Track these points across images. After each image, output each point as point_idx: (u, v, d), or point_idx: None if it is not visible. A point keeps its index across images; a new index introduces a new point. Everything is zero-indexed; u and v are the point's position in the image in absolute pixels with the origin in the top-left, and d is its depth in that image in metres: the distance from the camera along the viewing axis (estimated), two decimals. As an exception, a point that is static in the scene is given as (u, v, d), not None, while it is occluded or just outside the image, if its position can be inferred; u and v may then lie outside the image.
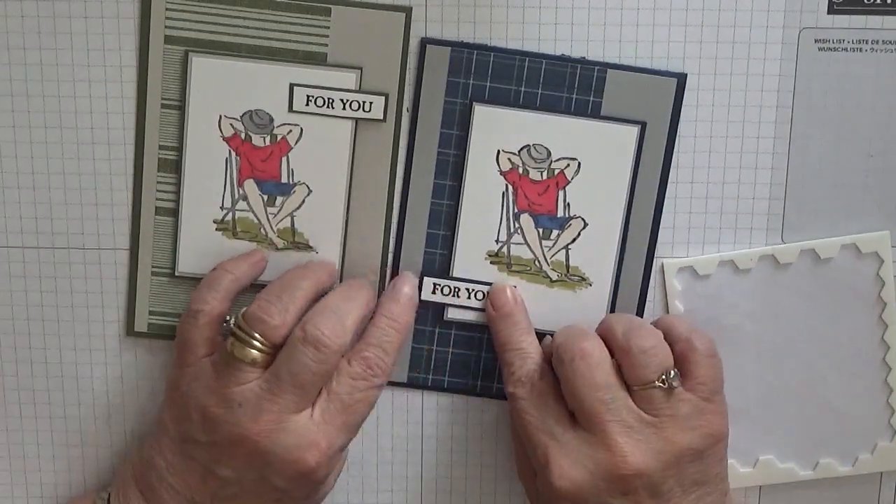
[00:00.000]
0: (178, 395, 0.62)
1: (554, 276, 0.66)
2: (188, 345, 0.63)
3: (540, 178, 0.65)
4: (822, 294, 0.66)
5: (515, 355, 0.64)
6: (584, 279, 0.66)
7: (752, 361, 0.67)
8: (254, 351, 0.60)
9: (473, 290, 0.66)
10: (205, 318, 0.62)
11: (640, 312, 0.66)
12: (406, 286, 0.65)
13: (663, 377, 0.60)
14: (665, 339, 0.61)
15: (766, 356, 0.67)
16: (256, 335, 0.60)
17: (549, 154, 0.65)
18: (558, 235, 0.66)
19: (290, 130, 0.65)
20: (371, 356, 0.62)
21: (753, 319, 0.67)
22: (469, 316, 0.67)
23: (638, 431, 0.59)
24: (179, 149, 0.65)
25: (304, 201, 0.66)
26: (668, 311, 0.66)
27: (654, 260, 0.66)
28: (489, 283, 0.66)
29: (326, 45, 0.64)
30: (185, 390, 0.62)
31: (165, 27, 0.64)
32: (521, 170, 0.65)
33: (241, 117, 0.65)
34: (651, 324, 0.63)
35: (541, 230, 0.66)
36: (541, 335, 0.66)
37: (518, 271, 0.66)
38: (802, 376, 0.67)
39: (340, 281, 0.66)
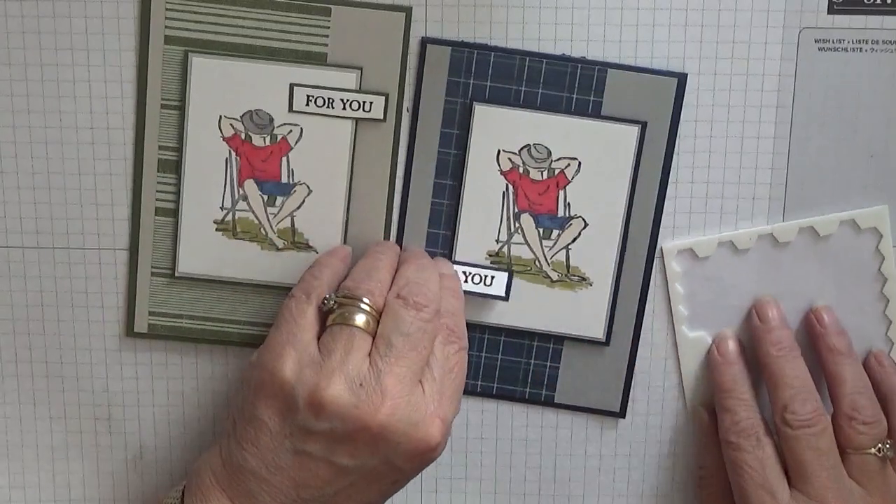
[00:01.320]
0: (280, 385, 0.59)
1: (554, 276, 0.66)
2: (297, 327, 0.60)
3: (540, 178, 0.65)
4: (823, 271, 0.66)
5: (741, 405, 0.64)
6: (584, 279, 0.66)
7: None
8: (362, 315, 0.59)
9: (470, 273, 0.66)
10: (316, 299, 0.61)
11: (640, 312, 0.66)
12: (444, 267, 0.65)
13: (879, 446, 0.62)
14: (879, 398, 0.64)
15: (768, 336, 0.67)
16: (364, 299, 0.60)
17: (550, 154, 0.65)
18: (559, 235, 0.66)
19: (290, 130, 0.65)
20: (448, 321, 0.62)
21: (755, 300, 0.66)
22: (469, 315, 0.67)
23: (853, 502, 0.61)
24: (179, 149, 0.65)
25: (304, 201, 0.66)
26: (668, 295, 0.66)
27: (655, 260, 0.66)
28: (487, 267, 0.66)
29: (326, 45, 0.64)
30: (293, 378, 0.59)
31: (165, 27, 0.64)
32: (521, 169, 0.65)
33: (241, 117, 0.65)
34: (872, 379, 0.65)
35: (541, 230, 0.66)
36: (542, 335, 0.66)
37: (518, 271, 0.66)
38: (805, 355, 0.67)
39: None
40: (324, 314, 0.61)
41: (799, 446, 0.61)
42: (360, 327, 0.59)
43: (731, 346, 0.66)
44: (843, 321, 0.66)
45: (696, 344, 0.67)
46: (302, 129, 0.65)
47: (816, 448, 0.61)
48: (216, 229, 0.66)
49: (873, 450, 0.62)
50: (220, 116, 0.65)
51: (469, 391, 0.68)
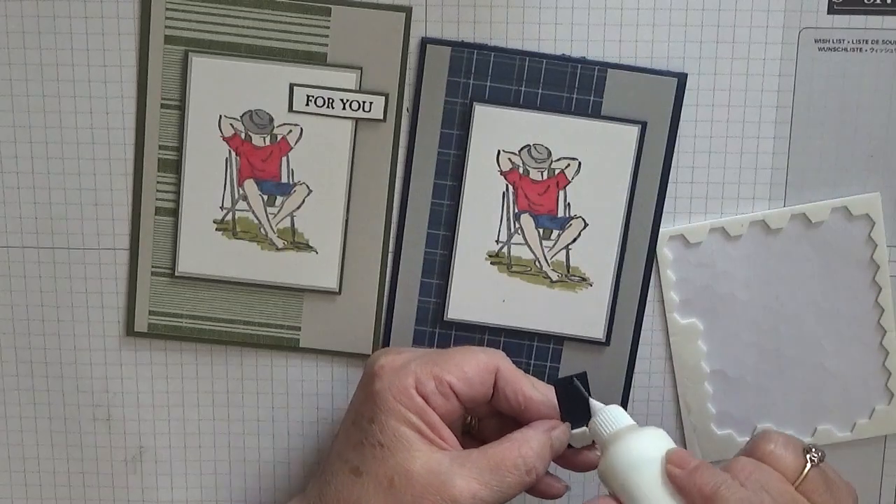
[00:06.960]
0: None
1: (554, 276, 0.66)
2: None
3: (540, 178, 0.65)
4: (815, 258, 0.66)
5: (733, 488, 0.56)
6: (584, 279, 0.66)
7: (746, 329, 0.67)
8: None
9: None
10: None
11: (640, 312, 0.66)
12: None
13: (809, 456, 0.57)
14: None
15: (760, 323, 0.67)
16: None
17: (550, 154, 0.65)
18: (559, 235, 0.66)
19: (290, 130, 0.65)
20: None
21: (746, 286, 0.67)
22: (469, 315, 0.67)
23: None
24: (179, 149, 0.65)
25: (304, 201, 0.66)
26: (659, 281, 0.66)
27: (655, 261, 0.66)
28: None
29: (326, 45, 0.64)
30: None
31: (165, 27, 0.64)
32: (521, 170, 0.65)
33: (241, 117, 0.65)
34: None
35: (541, 230, 0.66)
36: (542, 335, 0.66)
37: (518, 272, 0.66)
38: (797, 342, 0.67)
39: (340, 286, 0.66)
40: None
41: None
42: None
43: (685, 453, 0.57)
44: (835, 308, 0.66)
45: (687, 331, 0.67)
46: (302, 129, 0.65)
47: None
48: (216, 229, 0.66)
49: (808, 465, 0.55)
50: (220, 116, 0.65)
51: (469, 391, 0.68)
